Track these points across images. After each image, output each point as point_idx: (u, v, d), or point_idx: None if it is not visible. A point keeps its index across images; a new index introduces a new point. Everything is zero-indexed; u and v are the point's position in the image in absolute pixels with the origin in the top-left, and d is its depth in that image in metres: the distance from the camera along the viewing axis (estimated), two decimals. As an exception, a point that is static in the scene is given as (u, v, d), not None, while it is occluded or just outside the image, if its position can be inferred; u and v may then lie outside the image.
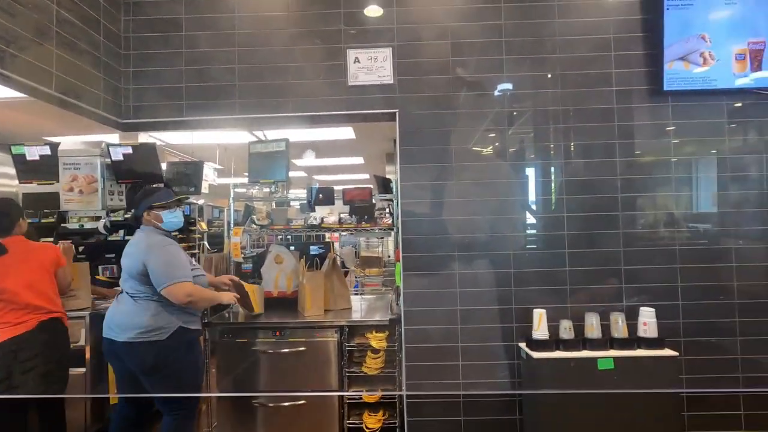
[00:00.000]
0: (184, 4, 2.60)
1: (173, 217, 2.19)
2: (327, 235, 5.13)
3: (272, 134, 4.84)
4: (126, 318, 2.08)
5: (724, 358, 2.43)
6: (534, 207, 2.53)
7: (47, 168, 3.35)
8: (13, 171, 3.37)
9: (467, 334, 2.47)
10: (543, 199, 2.52)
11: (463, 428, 2.46)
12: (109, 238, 3.32)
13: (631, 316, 2.41)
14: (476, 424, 2.46)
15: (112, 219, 3.33)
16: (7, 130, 4.30)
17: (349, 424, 2.68)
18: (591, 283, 2.47)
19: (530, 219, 2.51)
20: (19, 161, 3.36)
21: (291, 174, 8.27)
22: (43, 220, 3.35)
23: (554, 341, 2.30)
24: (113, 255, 3.49)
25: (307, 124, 2.68)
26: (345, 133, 5.07)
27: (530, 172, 2.53)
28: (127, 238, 3.34)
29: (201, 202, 5.27)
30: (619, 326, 2.32)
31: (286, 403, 2.58)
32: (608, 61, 2.52)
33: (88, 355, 2.76)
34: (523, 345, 2.39)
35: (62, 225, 3.32)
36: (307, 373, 2.67)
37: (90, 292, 3.00)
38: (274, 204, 3.66)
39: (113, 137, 3.73)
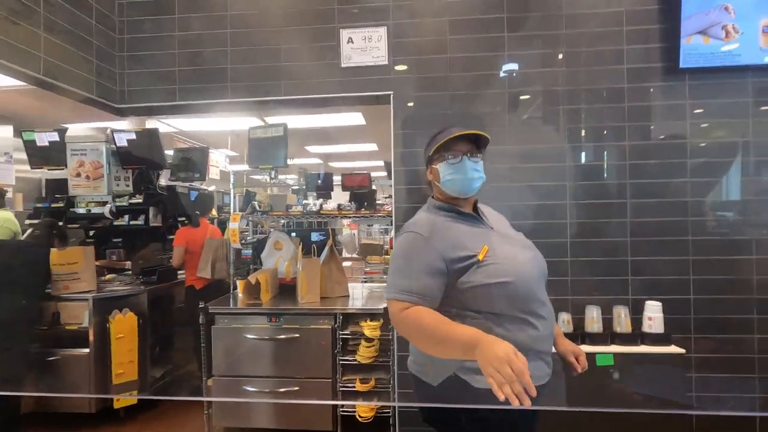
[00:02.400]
0: (177, -15, 2.56)
1: (453, 172, 1.25)
2: (346, 222, 5.10)
3: (281, 119, 4.82)
4: None
5: (739, 357, 2.26)
6: (536, 193, 2.39)
7: (56, 154, 3.43)
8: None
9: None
10: (546, 186, 2.38)
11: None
12: (115, 223, 3.37)
13: (638, 311, 2.27)
14: (469, 416, 2.39)
15: (118, 204, 3.39)
16: (23, 116, 4.43)
17: (343, 411, 2.66)
18: (594, 275, 2.34)
19: (531, 206, 2.38)
20: (30, 147, 3.46)
21: (304, 161, 8.22)
22: (53, 205, 3.42)
23: (552, 334, 2.19)
24: (120, 239, 3.57)
25: (300, 108, 2.62)
26: (354, 118, 4.99)
27: (532, 156, 2.39)
28: (132, 223, 3.39)
29: (212, 188, 5.32)
30: (621, 320, 2.19)
31: (281, 389, 2.58)
32: (619, 37, 2.34)
33: (91, 337, 2.84)
34: (519, 338, 2.30)
35: (71, 209, 3.39)
36: (302, 360, 2.65)
37: (95, 275, 3.07)
38: (275, 189, 3.65)
39: (124, 124, 3.78)
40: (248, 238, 3.37)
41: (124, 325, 2.88)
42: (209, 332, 2.73)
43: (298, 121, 4.92)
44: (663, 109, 2.33)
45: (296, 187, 3.30)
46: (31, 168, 3.51)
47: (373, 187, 3.16)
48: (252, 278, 2.86)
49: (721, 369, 2.25)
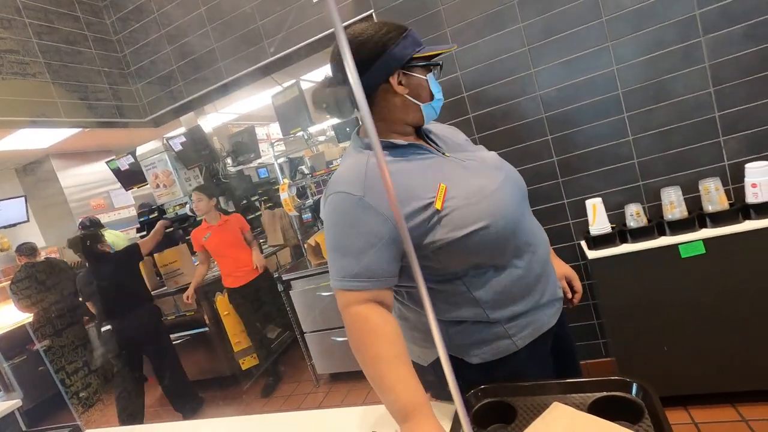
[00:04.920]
0: (146, -18, 2.54)
1: (439, 92, 0.98)
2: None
3: (314, 76, 4.66)
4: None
5: None
6: (571, 70, 1.93)
7: (137, 173, 3.92)
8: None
9: (515, 243, 2.16)
10: (582, 56, 1.89)
11: (533, 340, 2.25)
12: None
13: (738, 179, 1.76)
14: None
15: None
16: (112, 146, 5.11)
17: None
18: (668, 149, 1.85)
19: (568, 88, 1.94)
20: (117, 174, 4.00)
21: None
22: (151, 216, 3.97)
23: (619, 233, 1.85)
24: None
25: (296, 64, 2.48)
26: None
27: (557, 25, 1.91)
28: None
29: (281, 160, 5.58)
30: (712, 196, 1.72)
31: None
32: None
33: (206, 318, 3.34)
34: (583, 243, 1.99)
35: (164, 217, 3.90)
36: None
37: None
38: (320, 148, 3.64)
39: (181, 129, 4.11)
40: (306, 202, 3.48)
41: (225, 304, 3.31)
42: (289, 297, 2.98)
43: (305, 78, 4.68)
44: None
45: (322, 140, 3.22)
46: (126, 190, 4.08)
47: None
48: (312, 240, 2.98)
49: None
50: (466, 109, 2.10)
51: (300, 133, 3.08)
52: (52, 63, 2.23)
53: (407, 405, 0.80)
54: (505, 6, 1.95)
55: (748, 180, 1.68)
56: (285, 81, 4.11)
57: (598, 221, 1.87)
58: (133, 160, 3.86)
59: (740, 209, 1.68)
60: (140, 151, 3.79)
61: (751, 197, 1.67)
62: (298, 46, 2.32)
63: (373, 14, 2.15)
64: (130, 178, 3.95)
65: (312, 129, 3.25)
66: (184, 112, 2.89)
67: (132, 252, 3.09)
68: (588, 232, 1.91)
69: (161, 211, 3.93)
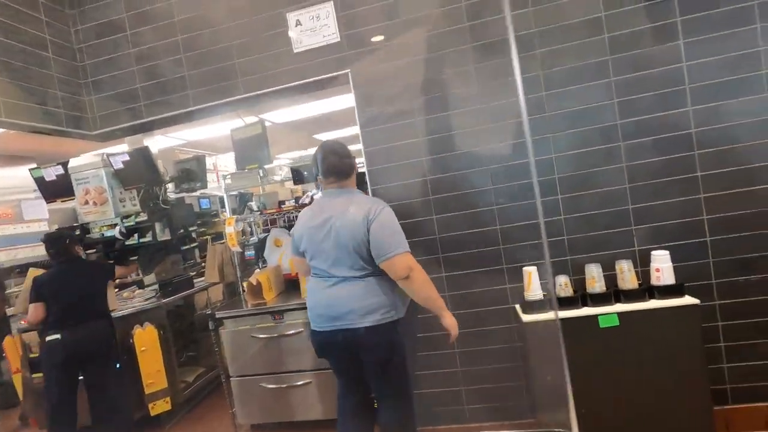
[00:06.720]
0: (123, 1, 2.53)
1: None
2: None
3: (275, 114, 4.77)
4: (364, 299, 1.73)
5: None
6: (516, 152, 2.20)
7: (65, 186, 3.61)
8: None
9: (456, 301, 2.29)
10: (523, 142, 2.18)
11: (464, 398, 2.33)
12: (127, 243, 3.52)
13: (645, 263, 2.07)
14: (478, 393, 2.32)
15: (126, 224, 3.53)
16: (43, 154, 4.68)
17: (357, 398, 2.66)
18: (592, 230, 2.14)
19: (510, 168, 2.20)
20: (40, 183, 3.64)
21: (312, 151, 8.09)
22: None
23: (549, 300, 2.05)
24: (135, 257, 3.73)
25: (262, 103, 2.55)
26: (347, 101, 4.85)
27: (506, 111, 2.19)
28: (142, 241, 3.53)
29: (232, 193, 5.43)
30: (625, 275, 2.00)
31: (298, 383, 2.63)
32: (589, -41, 2.05)
33: (119, 353, 3.02)
34: (518, 307, 2.17)
35: (87, 236, 3.58)
36: (311, 353, 2.67)
37: (114, 296, 3.24)
38: (268, 188, 3.64)
39: (122, 147, 3.91)
40: (251, 239, 3.41)
41: (145, 339, 3.03)
42: (219, 336, 2.81)
43: (300, 111, 4.88)
44: (650, 33, 2.04)
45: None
46: (47, 202, 3.71)
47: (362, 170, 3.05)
48: (253, 279, 2.89)
49: (745, 315, 2.01)
50: (425, 172, 2.28)
51: (259, 171, 3.09)
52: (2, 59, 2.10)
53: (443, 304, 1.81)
54: (456, 92, 2.21)
55: (653, 265, 1.98)
56: (246, 115, 4.15)
57: (533, 288, 2.07)
58: (62, 171, 3.57)
59: (647, 289, 1.97)
60: (74, 163, 3.52)
61: (655, 280, 1.97)
62: (271, 88, 2.40)
63: (349, 74, 2.32)
64: (56, 190, 3.62)
65: (268, 166, 3.27)
66: (140, 132, 2.79)
67: (108, 269, 3.07)
68: (523, 297, 2.10)
69: (84, 230, 3.61)
